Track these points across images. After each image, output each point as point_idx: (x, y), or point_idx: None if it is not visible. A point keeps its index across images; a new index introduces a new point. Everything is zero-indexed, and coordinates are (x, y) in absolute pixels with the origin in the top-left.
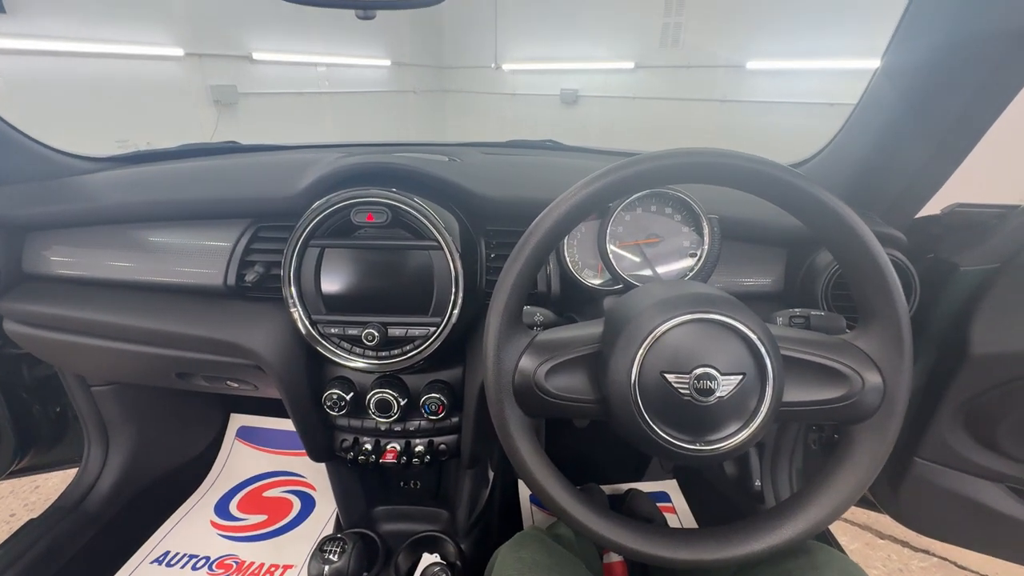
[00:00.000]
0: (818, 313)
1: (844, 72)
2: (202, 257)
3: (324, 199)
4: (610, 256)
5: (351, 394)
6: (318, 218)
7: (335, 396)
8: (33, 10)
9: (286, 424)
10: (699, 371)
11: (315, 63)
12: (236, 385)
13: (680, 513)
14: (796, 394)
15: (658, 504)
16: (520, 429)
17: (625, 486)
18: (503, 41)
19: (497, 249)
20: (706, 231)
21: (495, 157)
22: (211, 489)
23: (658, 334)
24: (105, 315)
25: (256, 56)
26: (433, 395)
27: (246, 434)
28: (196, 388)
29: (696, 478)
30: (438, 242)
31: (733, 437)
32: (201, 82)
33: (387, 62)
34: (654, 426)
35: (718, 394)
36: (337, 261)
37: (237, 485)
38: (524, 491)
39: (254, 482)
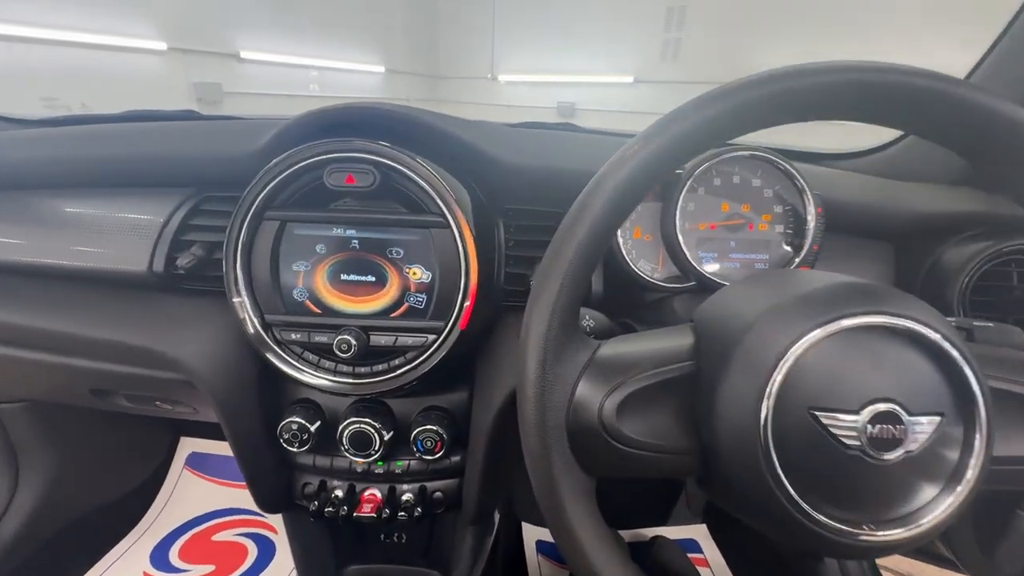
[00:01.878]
0: (984, 324)
1: None
2: (122, 234)
3: (286, 153)
4: (680, 242)
5: (317, 423)
6: (278, 179)
7: (295, 426)
8: None
9: None
10: (875, 409)
11: (306, 65)
12: (168, 407)
13: (714, 567)
14: (1012, 446)
15: (687, 555)
16: (577, 497)
17: (649, 532)
18: (499, 51)
19: (518, 234)
20: (810, 211)
21: (513, 128)
22: (148, 531)
23: (801, 349)
24: None
25: (244, 55)
26: (429, 428)
27: (197, 462)
28: (119, 409)
29: (729, 520)
30: (444, 218)
31: (928, 514)
32: (184, 79)
33: (381, 68)
34: (797, 497)
35: (907, 446)
36: (302, 241)
37: (181, 526)
38: (530, 538)
39: (202, 522)
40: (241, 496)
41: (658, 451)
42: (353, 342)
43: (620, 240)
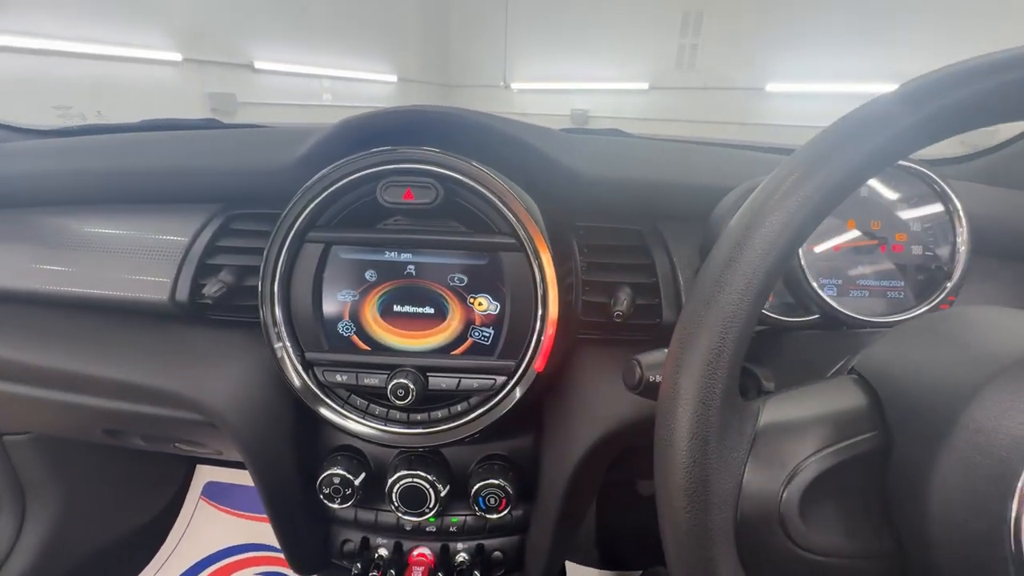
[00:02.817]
0: None
1: (870, 96)
2: (142, 258)
3: (334, 165)
4: (802, 267)
5: (362, 476)
6: (324, 195)
7: (337, 479)
8: (20, 6)
9: None
10: None
11: (320, 75)
12: (189, 448)
13: None
14: None
15: None
16: None
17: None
18: (512, 59)
19: (593, 255)
20: (961, 231)
21: (580, 136)
22: (162, 570)
23: None
24: None
25: (258, 65)
26: (493, 483)
27: (215, 492)
28: (134, 447)
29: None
30: (517, 239)
31: None
32: (199, 89)
33: (393, 78)
34: None
35: None
36: (349, 267)
37: (197, 564)
38: None
39: (220, 559)
40: (262, 530)
41: (851, 556)
42: (411, 386)
43: None
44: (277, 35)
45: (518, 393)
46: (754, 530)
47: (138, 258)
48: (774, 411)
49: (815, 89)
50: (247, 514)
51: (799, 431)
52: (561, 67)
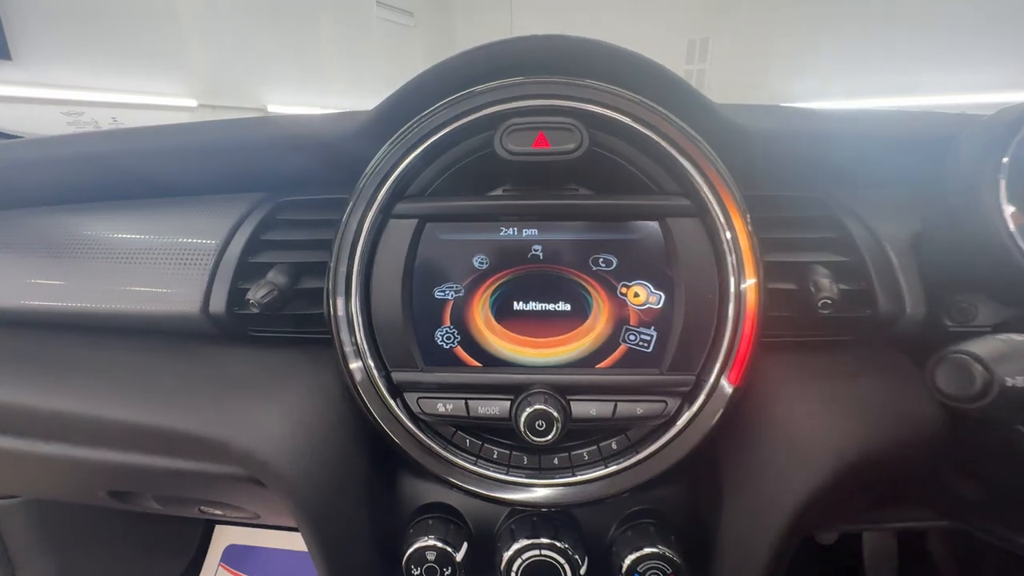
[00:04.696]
0: None
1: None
2: (165, 262)
3: (438, 105)
4: (1011, 228)
5: (464, 547)
6: (419, 150)
7: (433, 555)
8: (39, 57)
9: (297, 542)
10: None
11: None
12: (218, 512)
13: None
14: None
15: None
16: None
17: None
18: None
19: (766, 230)
20: None
21: None
22: None
23: None
24: None
25: (271, 108)
26: (653, 552)
27: (236, 558)
28: (146, 511)
29: None
30: (699, 201)
31: None
32: None
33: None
34: None
35: None
36: (451, 251)
37: None
38: None
39: None
40: None
41: None
42: (555, 415)
43: (1005, 210)
44: (289, 79)
45: (708, 421)
46: None
47: (160, 263)
48: None
49: (827, 107)
50: None
51: None
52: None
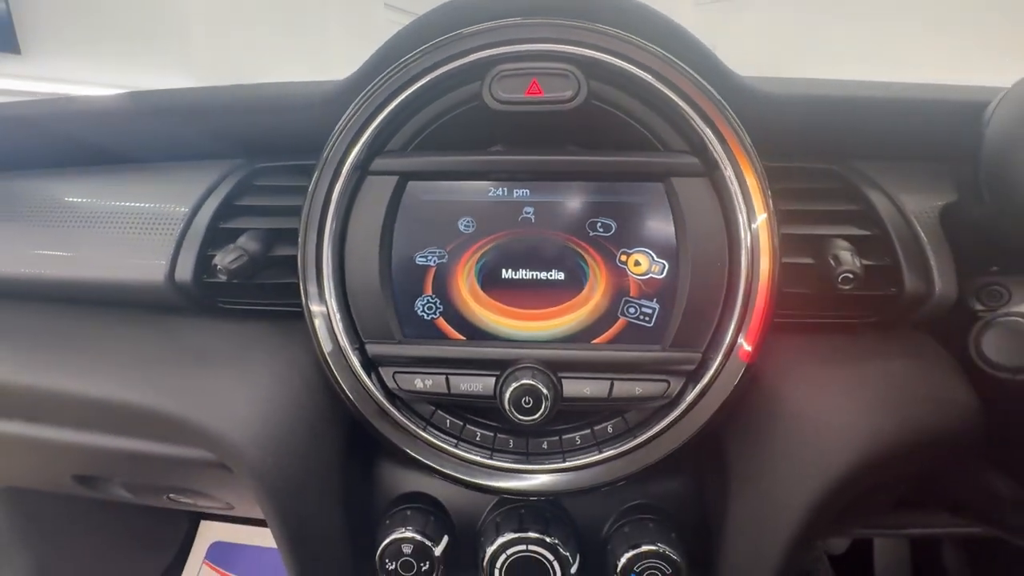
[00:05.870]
0: None
1: None
2: (131, 227)
3: (422, 48)
4: None
5: (444, 541)
6: (400, 99)
7: (409, 548)
8: (48, 52)
9: None
10: None
11: None
12: (188, 501)
13: None
14: None
15: None
16: None
17: None
18: None
19: (783, 201)
20: None
21: None
22: None
23: None
24: None
25: None
26: (652, 550)
27: (221, 555)
28: (114, 499)
29: None
30: (708, 159)
31: None
32: None
33: None
34: None
35: None
36: (433, 212)
37: None
38: None
39: None
40: None
41: None
42: (543, 391)
43: None
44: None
45: (714, 402)
46: None
47: (126, 228)
48: None
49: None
50: None
51: None
52: None
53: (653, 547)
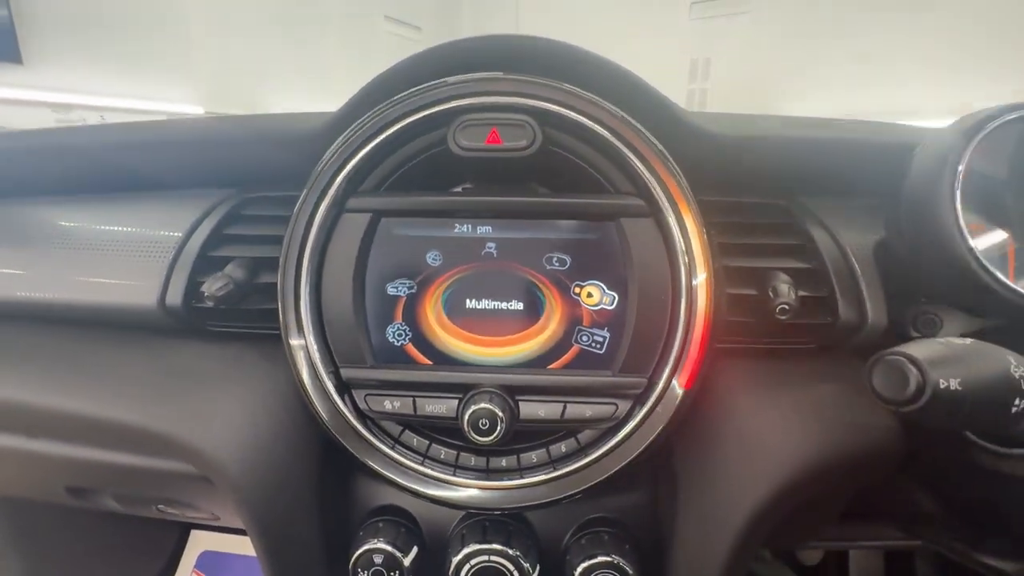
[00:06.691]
0: None
1: None
2: (125, 253)
3: (393, 99)
4: (969, 242)
5: (413, 552)
6: (374, 143)
7: (380, 558)
8: (49, 62)
9: None
10: None
11: None
12: (175, 512)
13: None
14: None
15: None
16: None
17: None
18: None
19: (728, 235)
20: None
21: None
22: None
23: None
24: None
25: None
26: (603, 560)
27: (211, 565)
28: (105, 510)
29: None
30: (652, 200)
31: None
32: None
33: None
34: None
35: None
36: (404, 247)
37: None
38: None
39: None
40: None
41: None
42: (499, 414)
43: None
44: (298, 88)
45: (656, 425)
46: None
47: (121, 254)
48: None
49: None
50: None
51: None
52: None
53: (608, 558)
